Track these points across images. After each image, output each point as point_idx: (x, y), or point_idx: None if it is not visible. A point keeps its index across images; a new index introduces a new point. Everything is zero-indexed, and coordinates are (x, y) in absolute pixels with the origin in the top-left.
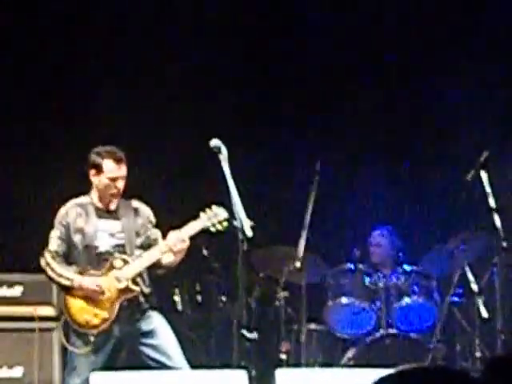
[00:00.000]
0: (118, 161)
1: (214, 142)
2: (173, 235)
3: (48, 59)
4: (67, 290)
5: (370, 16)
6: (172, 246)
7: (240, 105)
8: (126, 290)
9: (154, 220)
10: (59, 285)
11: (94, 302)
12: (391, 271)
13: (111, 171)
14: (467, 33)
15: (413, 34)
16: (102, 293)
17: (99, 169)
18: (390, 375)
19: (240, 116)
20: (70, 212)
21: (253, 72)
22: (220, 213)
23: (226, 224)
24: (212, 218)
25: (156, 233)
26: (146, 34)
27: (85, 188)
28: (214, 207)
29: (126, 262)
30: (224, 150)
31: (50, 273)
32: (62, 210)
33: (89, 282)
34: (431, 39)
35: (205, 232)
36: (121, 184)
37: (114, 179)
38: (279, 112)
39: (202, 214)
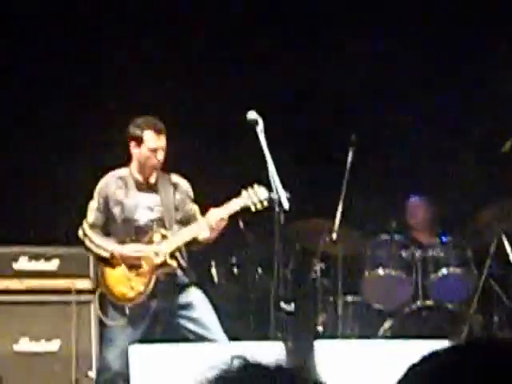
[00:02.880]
0: (158, 131)
1: (251, 115)
2: (214, 212)
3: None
4: (105, 261)
5: None
6: (212, 224)
7: (277, 79)
8: (164, 264)
9: (192, 195)
10: (98, 256)
11: (130, 275)
12: (428, 241)
13: (152, 142)
14: None
15: None
16: (141, 264)
17: (139, 140)
18: (446, 349)
19: (277, 89)
20: (110, 184)
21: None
22: (261, 192)
23: (266, 203)
24: (253, 196)
25: (194, 208)
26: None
27: (124, 160)
28: (255, 186)
29: (164, 236)
30: (260, 123)
31: (88, 244)
32: (102, 182)
33: (129, 249)
34: None
35: (244, 210)
36: (161, 155)
37: (154, 150)
38: (315, 84)
39: (243, 192)
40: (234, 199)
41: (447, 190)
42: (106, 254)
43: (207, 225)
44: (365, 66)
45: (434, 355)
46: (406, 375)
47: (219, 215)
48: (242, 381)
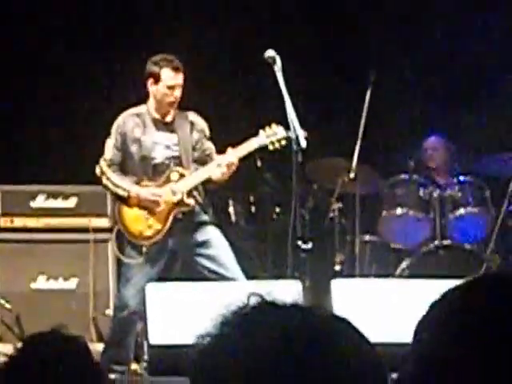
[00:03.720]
0: (175, 69)
1: (269, 53)
2: (232, 152)
3: None
4: (122, 200)
5: None
6: (229, 163)
7: (293, 14)
8: (181, 202)
9: (208, 134)
10: (115, 195)
11: (148, 214)
12: (446, 182)
13: (169, 79)
14: None
15: None
16: (158, 204)
17: (157, 77)
18: (459, 286)
19: (293, 25)
20: (127, 121)
21: None
22: (279, 131)
23: (284, 143)
24: (271, 136)
25: (210, 147)
26: None
27: (139, 98)
28: (273, 125)
29: (182, 175)
30: (278, 61)
31: (105, 182)
32: (119, 119)
33: (146, 192)
34: None
35: (262, 149)
36: (178, 92)
37: (171, 87)
38: (332, 20)
39: (260, 132)
40: (252, 138)
41: (466, 128)
42: (123, 193)
43: (224, 164)
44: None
45: (454, 290)
46: (428, 313)
47: (236, 154)
48: (257, 318)
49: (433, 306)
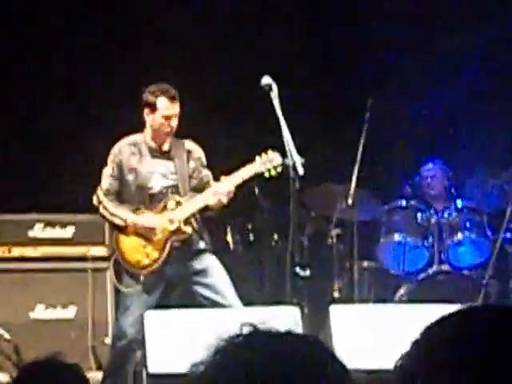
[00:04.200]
0: (171, 99)
1: (265, 80)
2: (228, 180)
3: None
4: (119, 229)
5: None
6: (226, 192)
7: (291, 41)
8: (178, 231)
9: (205, 162)
10: (112, 223)
11: (145, 242)
12: (443, 207)
13: (165, 109)
14: None
15: None
16: (155, 233)
17: (153, 107)
18: (451, 314)
19: (290, 52)
20: (124, 150)
21: (304, 8)
22: (275, 158)
23: (280, 169)
24: (267, 163)
25: (208, 175)
26: None
27: (137, 125)
28: (269, 152)
29: (179, 203)
30: (275, 88)
31: (102, 211)
32: (115, 148)
33: (143, 220)
34: None
35: (259, 176)
36: (174, 122)
37: (168, 117)
38: (330, 48)
39: (257, 158)
40: (248, 165)
41: (463, 153)
42: (120, 222)
43: (221, 191)
44: (380, 25)
45: (443, 320)
46: (417, 340)
47: (232, 182)
48: (249, 346)
49: (423, 333)
